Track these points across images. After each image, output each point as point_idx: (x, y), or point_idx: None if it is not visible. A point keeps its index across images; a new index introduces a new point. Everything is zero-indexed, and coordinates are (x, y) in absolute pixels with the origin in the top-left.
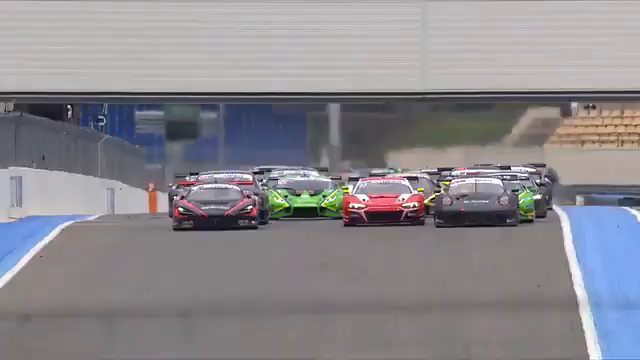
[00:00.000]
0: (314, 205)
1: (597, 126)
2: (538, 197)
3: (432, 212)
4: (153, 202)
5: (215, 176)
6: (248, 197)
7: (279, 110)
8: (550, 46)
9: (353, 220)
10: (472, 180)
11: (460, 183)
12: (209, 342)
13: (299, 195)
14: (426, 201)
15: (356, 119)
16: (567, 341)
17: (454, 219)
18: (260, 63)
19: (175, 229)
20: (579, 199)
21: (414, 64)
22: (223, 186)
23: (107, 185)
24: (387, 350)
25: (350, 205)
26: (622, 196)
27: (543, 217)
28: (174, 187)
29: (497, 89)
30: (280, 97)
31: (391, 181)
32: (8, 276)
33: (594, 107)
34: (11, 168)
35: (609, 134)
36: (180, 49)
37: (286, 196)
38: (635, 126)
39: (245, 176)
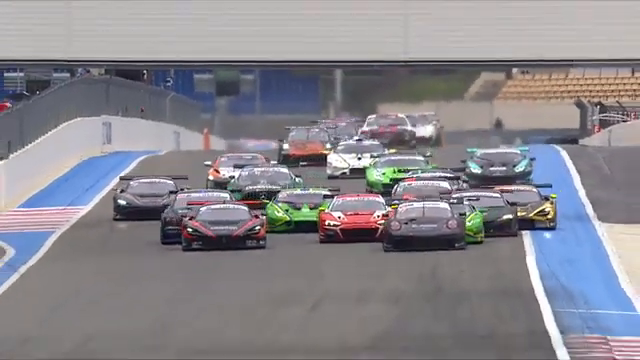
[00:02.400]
0: (314, 219)
1: (531, 86)
2: (509, 216)
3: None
4: (207, 141)
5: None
6: (256, 217)
7: (299, 74)
8: (498, 24)
9: (328, 237)
10: (420, 204)
11: (408, 207)
12: None
13: (299, 209)
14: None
15: (355, 81)
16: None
17: (403, 244)
18: (280, 38)
19: (184, 250)
20: (517, 140)
21: (398, 38)
22: (232, 206)
23: (173, 129)
24: None
25: (326, 222)
26: (549, 137)
27: (514, 236)
28: (118, 191)
29: (461, 58)
30: (296, 64)
31: (366, 198)
32: (104, 193)
33: (528, 72)
34: (103, 116)
35: (539, 92)
36: (223, 26)
37: (287, 210)
38: (559, 86)
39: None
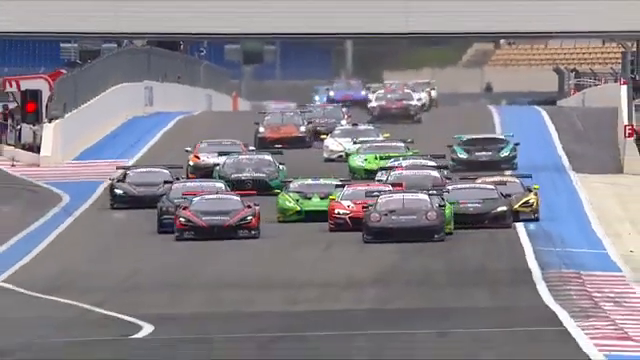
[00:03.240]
0: (325, 208)
1: (515, 54)
2: (504, 208)
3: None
4: (235, 103)
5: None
6: (249, 207)
7: (314, 44)
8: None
9: (338, 225)
10: (400, 195)
11: (388, 199)
12: None
13: (310, 198)
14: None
15: (363, 50)
16: None
17: (382, 235)
18: (297, 13)
19: (177, 239)
20: (503, 102)
21: (400, 12)
22: (224, 196)
23: (206, 93)
24: None
25: (335, 211)
26: (531, 99)
27: (508, 228)
28: (115, 180)
29: (455, 31)
30: (310, 36)
31: (375, 188)
32: (146, 148)
33: (513, 42)
34: (145, 81)
35: (524, 59)
36: (248, 3)
37: (297, 200)
38: (540, 54)
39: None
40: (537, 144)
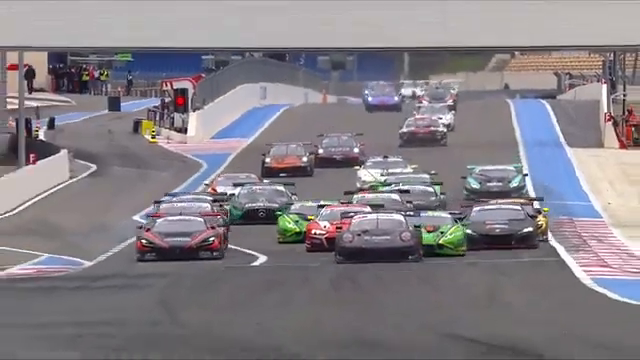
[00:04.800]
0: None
1: (526, 62)
2: (530, 229)
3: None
4: (325, 99)
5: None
6: (212, 228)
7: (379, 54)
8: (505, 19)
9: (315, 245)
10: (374, 216)
11: (362, 219)
12: None
13: (309, 220)
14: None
15: (415, 57)
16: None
17: (355, 256)
18: (365, 31)
19: (138, 260)
20: (517, 96)
21: (438, 25)
22: (187, 218)
23: (303, 91)
24: None
25: (312, 231)
26: (537, 94)
27: (534, 248)
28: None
29: (486, 45)
30: (372, 49)
31: (354, 209)
32: (259, 131)
33: (525, 53)
34: (260, 83)
35: (532, 65)
36: (329, 25)
37: (297, 221)
38: (544, 62)
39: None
40: (541, 127)
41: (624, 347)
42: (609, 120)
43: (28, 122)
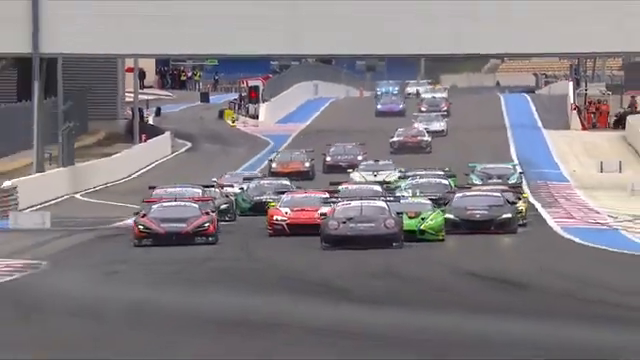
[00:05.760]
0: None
1: (513, 65)
2: (509, 215)
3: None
4: (361, 93)
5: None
6: (207, 214)
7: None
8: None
9: (276, 231)
10: (358, 203)
11: (346, 206)
12: None
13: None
14: None
15: (429, 61)
16: None
17: (340, 243)
18: (391, 40)
19: (135, 246)
20: (506, 91)
21: (448, 36)
22: (182, 204)
23: (345, 88)
24: None
25: (274, 218)
26: (520, 90)
27: (513, 233)
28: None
29: (486, 51)
30: (394, 55)
31: (312, 195)
32: (312, 118)
33: (512, 59)
34: (314, 81)
35: (517, 67)
36: (359, 34)
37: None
38: (526, 65)
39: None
40: (524, 114)
41: (586, 278)
42: (574, 109)
43: (141, 111)
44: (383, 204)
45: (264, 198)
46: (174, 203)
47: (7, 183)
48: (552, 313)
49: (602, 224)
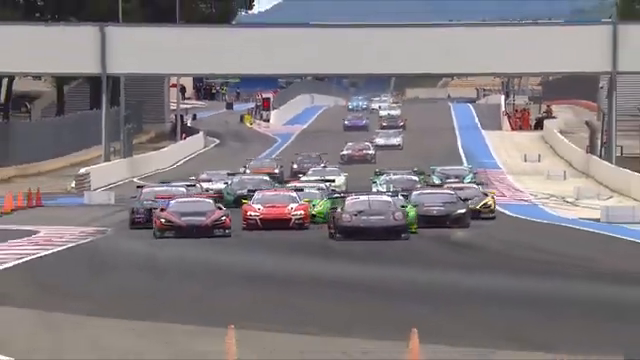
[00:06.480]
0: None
1: (459, 82)
2: (462, 211)
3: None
4: (346, 102)
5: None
6: (220, 209)
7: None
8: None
9: (250, 225)
10: (365, 197)
11: (355, 200)
12: None
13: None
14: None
15: (397, 77)
16: None
17: (353, 234)
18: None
19: (157, 238)
20: (455, 102)
21: (411, 58)
22: (197, 199)
23: (334, 99)
24: None
25: (248, 213)
26: (465, 100)
27: (466, 227)
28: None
29: (439, 71)
30: (374, 75)
31: (282, 193)
32: (311, 120)
33: (459, 78)
34: (311, 94)
35: (463, 83)
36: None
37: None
38: (469, 82)
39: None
40: (467, 118)
41: (514, 240)
42: (505, 115)
43: (182, 116)
44: (389, 199)
45: (245, 192)
46: (190, 198)
47: (83, 170)
48: (488, 267)
49: (526, 200)
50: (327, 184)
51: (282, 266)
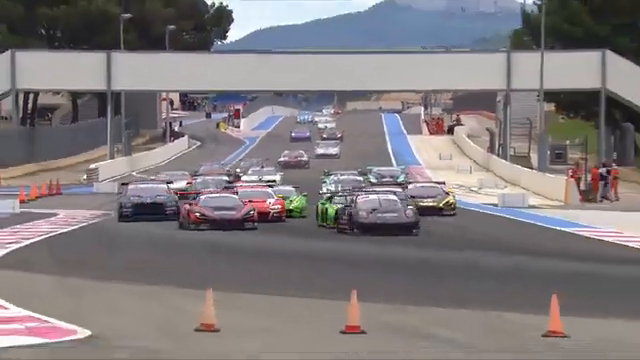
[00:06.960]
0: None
1: (389, 96)
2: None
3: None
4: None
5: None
6: (245, 204)
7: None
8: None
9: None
10: (375, 196)
11: (365, 199)
12: None
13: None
14: None
15: (345, 93)
16: None
17: (370, 230)
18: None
19: (193, 230)
20: (385, 112)
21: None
22: (226, 195)
23: (290, 110)
24: None
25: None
26: (393, 111)
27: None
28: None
29: (374, 88)
30: (326, 91)
31: (260, 189)
32: (272, 126)
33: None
34: (272, 106)
35: (392, 97)
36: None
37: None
38: (397, 97)
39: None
40: (395, 125)
41: (433, 221)
42: (424, 122)
43: (170, 123)
44: (395, 197)
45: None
46: (217, 194)
47: (93, 165)
48: (416, 243)
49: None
50: (292, 186)
51: (273, 244)
